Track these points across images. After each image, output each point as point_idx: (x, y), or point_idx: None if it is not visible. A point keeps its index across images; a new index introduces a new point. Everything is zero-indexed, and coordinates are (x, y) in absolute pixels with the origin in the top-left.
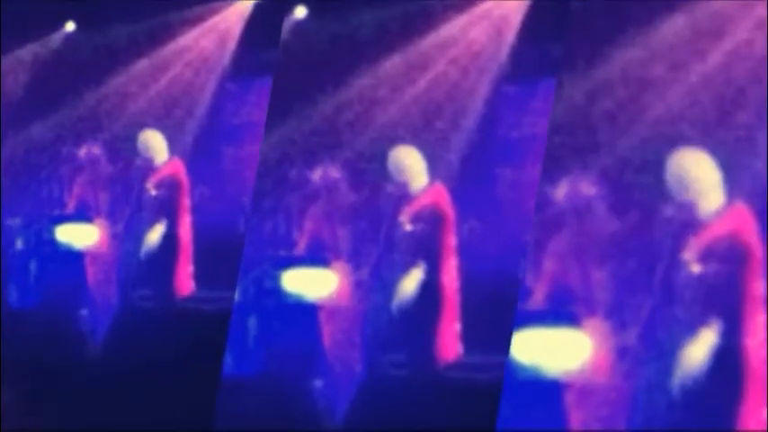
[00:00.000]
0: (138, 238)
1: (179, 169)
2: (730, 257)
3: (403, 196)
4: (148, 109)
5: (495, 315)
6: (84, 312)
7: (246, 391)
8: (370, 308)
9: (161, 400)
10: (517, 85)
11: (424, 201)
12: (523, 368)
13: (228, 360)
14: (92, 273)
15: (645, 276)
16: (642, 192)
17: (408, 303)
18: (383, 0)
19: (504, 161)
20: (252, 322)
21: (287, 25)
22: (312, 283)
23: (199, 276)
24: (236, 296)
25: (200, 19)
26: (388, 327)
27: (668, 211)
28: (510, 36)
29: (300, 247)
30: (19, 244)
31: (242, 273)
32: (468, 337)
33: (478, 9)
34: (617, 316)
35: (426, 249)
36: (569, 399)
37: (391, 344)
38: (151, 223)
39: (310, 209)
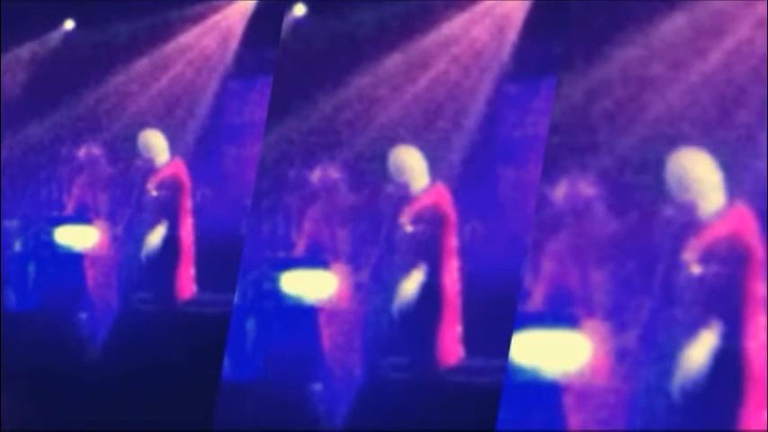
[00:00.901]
0: (139, 240)
1: (180, 170)
2: (731, 258)
3: (403, 197)
4: (149, 108)
5: (498, 317)
6: (83, 316)
7: (246, 394)
8: (371, 310)
9: (161, 403)
10: (519, 84)
11: (424, 201)
12: (523, 370)
13: (227, 363)
14: (91, 275)
15: (645, 277)
16: (642, 192)
17: (409, 306)
18: None
19: (507, 161)
20: (251, 325)
21: (286, 23)
22: (311, 286)
23: (201, 279)
24: (235, 299)
25: (202, 17)
26: (389, 329)
27: (668, 211)
28: (512, 34)
29: (299, 249)
30: (17, 246)
31: (241, 275)
32: (469, 339)
33: (480, 7)
34: (616, 317)
35: (427, 251)
36: (569, 401)
37: (392, 347)
38: (152, 225)
39: (309, 210)
